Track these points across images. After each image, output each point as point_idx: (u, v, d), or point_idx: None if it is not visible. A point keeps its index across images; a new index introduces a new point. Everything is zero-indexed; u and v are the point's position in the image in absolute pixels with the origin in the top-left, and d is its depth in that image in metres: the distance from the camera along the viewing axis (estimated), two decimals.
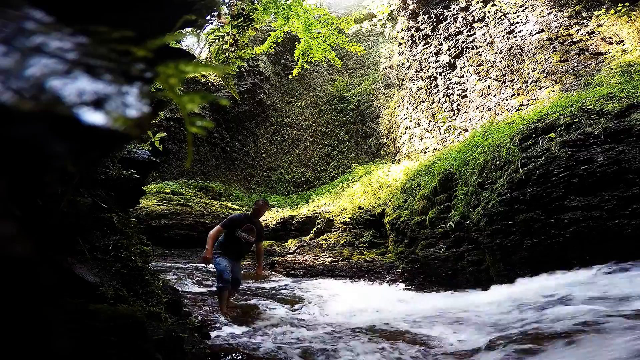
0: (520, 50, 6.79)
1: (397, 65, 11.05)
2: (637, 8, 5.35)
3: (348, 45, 3.46)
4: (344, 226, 7.13)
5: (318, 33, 3.09)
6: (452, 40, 8.18)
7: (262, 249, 3.82)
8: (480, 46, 7.63)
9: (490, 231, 3.77)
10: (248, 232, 3.55)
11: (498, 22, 7.31)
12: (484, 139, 4.97)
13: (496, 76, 7.20)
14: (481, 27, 7.65)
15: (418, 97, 9.34)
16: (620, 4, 5.51)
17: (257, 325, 2.78)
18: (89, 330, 0.77)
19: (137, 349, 0.86)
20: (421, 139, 9.22)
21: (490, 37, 7.43)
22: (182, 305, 2.08)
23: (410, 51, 9.58)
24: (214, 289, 3.60)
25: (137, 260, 1.40)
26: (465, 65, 7.93)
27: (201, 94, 0.34)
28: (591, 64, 5.68)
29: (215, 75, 11.18)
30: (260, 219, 3.74)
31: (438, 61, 8.60)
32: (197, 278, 4.64)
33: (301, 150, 12.62)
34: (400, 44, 10.42)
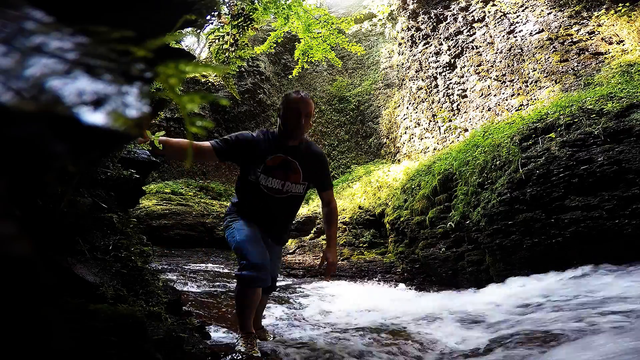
0: (520, 50, 6.79)
1: (397, 65, 11.05)
2: (637, 8, 5.35)
3: (348, 45, 3.46)
4: (344, 226, 7.13)
5: (318, 33, 3.09)
6: (452, 40, 8.18)
7: (334, 205, 2.02)
8: (480, 46, 7.63)
9: (490, 231, 3.77)
10: (281, 173, 1.78)
11: (498, 22, 7.31)
12: (484, 139, 4.97)
13: (496, 76, 7.20)
14: (481, 27, 7.65)
15: (418, 97, 9.34)
16: (620, 4, 5.51)
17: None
18: (89, 330, 0.77)
19: (137, 349, 0.86)
20: (421, 139, 9.21)
21: (490, 37, 7.43)
22: (182, 305, 2.08)
23: (410, 51, 9.58)
24: (215, 289, 3.33)
25: (137, 260, 1.40)
26: (465, 65, 7.93)
27: (201, 94, 0.34)
28: (591, 64, 5.68)
29: (215, 75, 11.18)
30: (309, 140, 1.91)
31: (438, 61, 8.60)
32: (197, 278, 4.64)
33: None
34: (400, 44, 10.42)
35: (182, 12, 0.58)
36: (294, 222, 2.30)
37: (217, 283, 4.38)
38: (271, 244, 1.99)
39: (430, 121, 8.87)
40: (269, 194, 1.83)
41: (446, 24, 8.35)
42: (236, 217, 1.90)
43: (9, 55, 0.24)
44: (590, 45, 5.80)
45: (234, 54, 1.51)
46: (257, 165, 1.81)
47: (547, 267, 3.20)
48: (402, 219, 5.78)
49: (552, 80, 6.12)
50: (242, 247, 1.75)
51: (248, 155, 1.81)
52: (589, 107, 3.70)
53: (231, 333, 2.48)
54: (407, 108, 9.96)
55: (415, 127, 9.50)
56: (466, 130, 7.71)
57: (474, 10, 7.76)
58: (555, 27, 6.30)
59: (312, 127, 12.95)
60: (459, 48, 8.03)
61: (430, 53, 8.80)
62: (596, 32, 5.78)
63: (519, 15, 6.94)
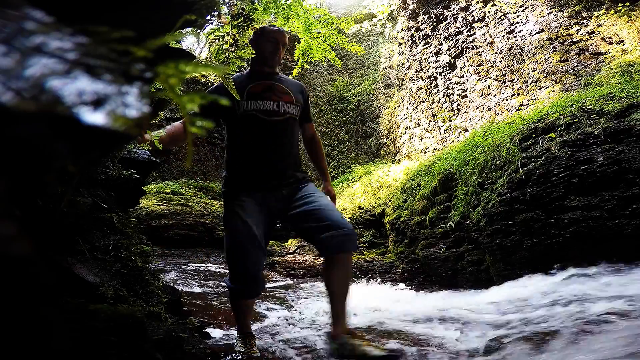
0: (520, 50, 6.79)
1: (397, 65, 11.04)
2: (637, 8, 5.35)
3: (348, 45, 3.45)
4: None
5: (318, 33, 3.08)
6: (452, 40, 8.18)
7: (318, 138, 1.95)
8: (480, 46, 7.63)
9: (490, 231, 3.77)
10: (270, 95, 1.61)
11: (498, 22, 7.30)
12: (484, 139, 4.97)
13: (496, 76, 7.20)
14: (481, 27, 7.64)
15: (418, 97, 9.33)
16: (620, 4, 5.51)
17: (257, 325, 2.77)
18: (89, 330, 0.77)
19: (137, 349, 0.86)
20: (421, 139, 9.21)
21: (490, 37, 7.43)
22: (182, 305, 2.08)
23: (410, 51, 9.58)
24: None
25: (137, 260, 1.40)
26: (465, 65, 7.92)
27: (201, 94, 0.34)
28: (591, 64, 5.68)
29: (215, 75, 11.18)
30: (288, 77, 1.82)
31: (438, 61, 8.60)
32: (197, 278, 4.64)
33: (301, 150, 12.61)
34: (400, 44, 10.42)
35: (182, 12, 0.58)
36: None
37: (217, 283, 4.38)
38: (288, 195, 1.55)
39: (430, 121, 8.87)
40: (265, 120, 1.55)
41: (446, 24, 8.35)
42: (227, 204, 1.59)
43: (9, 55, 0.24)
44: (590, 45, 5.80)
45: (233, 54, 1.51)
46: (240, 98, 1.54)
47: (547, 267, 3.20)
48: (402, 219, 5.78)
49: (552, 80, 6.12)
50: (228, 256, 1.58)
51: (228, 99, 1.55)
52: (589, 107, 3.70)
53: (231, 333, 2.48)
54: (407, 108, 9.95)
55: (415, 127, 9.50)
56: (466, 130, 7.71)
57: (474, 10, 7.75)
58: (555, 27, 6.30)
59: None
60: (459, 48, 8.03)
61: (430, 53, 8.80)
62: (596, 32, 5.78)
63: (519, 15, 6.94)
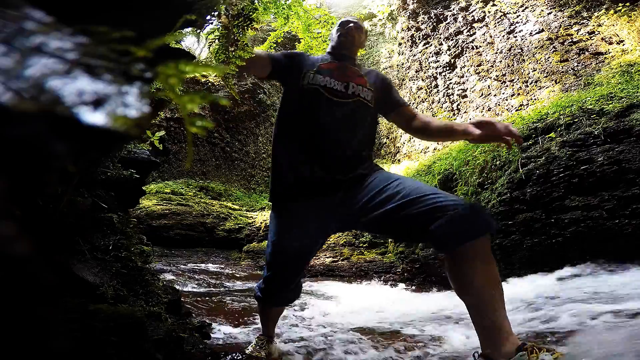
0: (520, 50, 6.79)
1: (397, 65, 11.04)
2: (637, 8, 5.35)
3: None
4: None
5: (318, 33, 3.09)
6: (452, 40, 8.19)
7: (422, 115, 1.51)
8: (480, 46, 7.63)
9: None
10: (341, 74, 1.38)
11: (498, 22, 7.31)
12: None
13: (496, 76, 7.20)
14: (481, 27, 7.65)
15: (418, 97, 9.34)
16: (620, 4, 5.51)
17: (257, 325, 2.77)
18: (89, 330, 0.77)
19: (137, 348, 0.86)
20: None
21: (490, 37, 7.43)
22: (182, 305, 2.07)
23: (410, 51, 9.58)
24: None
25: (137, 260, 1.40)
26: (465, 65, 7.93)
27: (201, 94, 0.34)
28: (591, 64, 5.68)
29: (215, 75, 11.19)
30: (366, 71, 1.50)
31: (438, 61, 8.60)
32: (197, 278, 4.64)
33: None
34: (400, 44, 10.42)
35: (182, 12, 0.58)
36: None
37: (218, 283, 4.38)
38: (349, 197, 1.24)
39: None
40: (329, 99, 1.30)
41: (446, 24, 8.35)
42: (272, 209, 1.41)
43: (9, 55, 0.24)
44: (590, 45, 5.80)
45: (234, 54, 1.51)
46: (309, 69, 1.39)
47: (547, 266, 3.21)
48: None
49: (552, 80, 6.13)
50: (266, 257, 1.45)
51: (299, 67, 1.42)
52: (589, 107, 3.70)
53: (232, 333, 2.48)
54: None
55: None
56: None
57: (474, 10, 7.76)
58: (555, 27, 6.30)
59: None
60: (459, 48, 8.03)
61: (430, 53, 8.80)
62: (596, 32, 5.78)
63: (519, 15, 6.94)
